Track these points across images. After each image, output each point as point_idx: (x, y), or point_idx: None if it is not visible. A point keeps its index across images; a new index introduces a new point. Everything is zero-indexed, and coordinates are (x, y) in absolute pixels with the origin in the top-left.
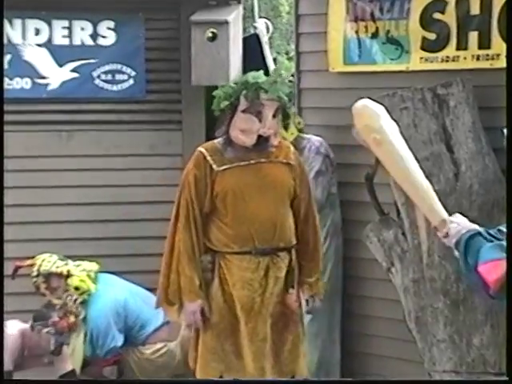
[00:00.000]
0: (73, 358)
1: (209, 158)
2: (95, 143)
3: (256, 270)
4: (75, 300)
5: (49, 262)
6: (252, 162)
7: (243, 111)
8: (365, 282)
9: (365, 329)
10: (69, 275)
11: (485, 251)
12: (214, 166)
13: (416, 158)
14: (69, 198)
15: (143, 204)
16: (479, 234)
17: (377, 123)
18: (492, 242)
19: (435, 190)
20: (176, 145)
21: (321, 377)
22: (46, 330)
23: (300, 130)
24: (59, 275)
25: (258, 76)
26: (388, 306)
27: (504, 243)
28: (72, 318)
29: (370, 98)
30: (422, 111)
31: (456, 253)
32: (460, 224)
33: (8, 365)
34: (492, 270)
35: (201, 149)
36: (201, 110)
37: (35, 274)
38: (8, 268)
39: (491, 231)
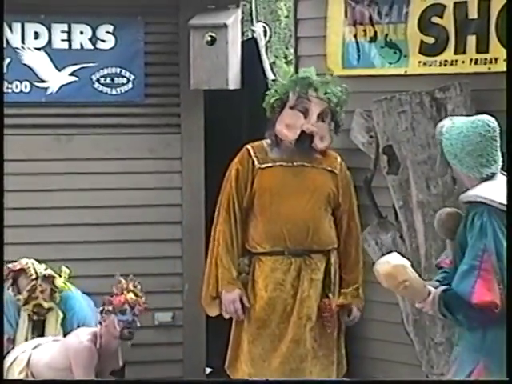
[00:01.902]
0: None
1: (253, 154)
2: (94, 147)
3: (288, 270)
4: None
5: (37, 265)
6: (295, 164)
7: (291, 107)
8: (363, 285)
9: (363, 332)
10: (54, 277)
11: (461, 287)
12: (256, 163)
13: (414, 162)
14: (68, 201)
15: (142, 207)
16: (445, 288)
17: (406, 274)
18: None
19: (433, 194)
20: (175, 148)
21: None
22: (106, 314)
23: None
24: (48, 278)
25: (309, 72)
26: (386, 309)
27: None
28: (131, 295)
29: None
30: (419, 115)
31: (444, 315)
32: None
33: (90, 374)
34: (481, 292)
35: (247, 146)
36: (200, 114)
37: (34, 276)
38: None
39: (439, 276)
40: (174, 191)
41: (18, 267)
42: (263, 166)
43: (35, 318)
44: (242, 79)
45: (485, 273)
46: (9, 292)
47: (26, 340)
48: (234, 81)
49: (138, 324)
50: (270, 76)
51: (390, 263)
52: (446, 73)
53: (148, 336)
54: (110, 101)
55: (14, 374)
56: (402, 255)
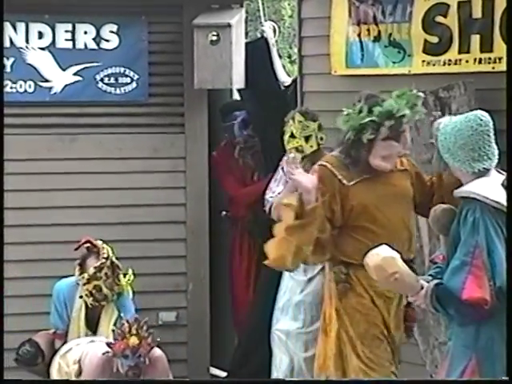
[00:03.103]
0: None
1: (337, 173)
2: (98, 146)
3: None
4: (144, 323)
5: (110, 251)
6: (374, 172)
7: (384, 139)
8: None
9: None
10: (120, 271)
11: (452, 283)
12: (345, 182)
13: (418, 161)
14: (71, 201)
15: (146, 207)
16: (437, 282)
17: (396, 267)
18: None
19: None
20: (179, 148)
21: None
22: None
23: (319, 146)
24: (116, 267)
25: (400, 107)
26: None
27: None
28: (133, 340)
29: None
30: (423, 114)
31: (436, 309)
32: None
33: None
34: (472, 288)
35: (327, 165)
36: (203, 113)
37: (105, 255)
38: (8, 271)
39: (433, 271)
40: (177, 191)
41: (94, 242)
42: (352, 182)
43: (91, 301)
44: (247, 79)
45: (476, 269)
46: (64, 282)
47: (79, 335)
48: (237, 80)
49: (147, 362)
50: (281, 74)
51: (380, 255)
52: (450, 72)
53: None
54: (113, 100)
55: (69, 363)
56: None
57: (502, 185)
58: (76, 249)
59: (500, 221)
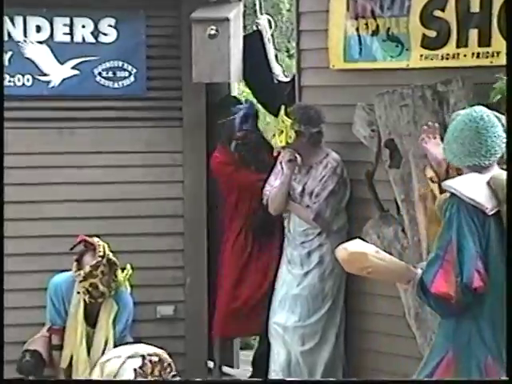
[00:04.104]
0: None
1: None
2: (96, 140)
3: None
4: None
5: (107, 248)
6: None
7: None
8: (365, 279)
9: (365, 325)
10: (117, 268)
11: (425, 275)
12: None
13: (416, 155)
14: (70, 194)
15: (143, 201)
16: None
17: (368, 261)
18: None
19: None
20: (176, 141)
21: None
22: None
23: (287, 143)
24: (113, 264)
25: None
26: (388, 303)
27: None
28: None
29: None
30: (421, 108)
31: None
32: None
33: None
34: (440, 282)
35: None
36: (201, 107)
37: (101, 254)
38: (7, 264)
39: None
40: (175, 185)
41: (90, 240)
42: None
43: (88, 298)
44: (244, 72)
45: (446, 264)
46: (61, 276)
47: (77, 330)
48: (235, 74)
49: None
50: (275, 68)
51: (347, 250)
52: (448, 66)
53: (150, 329)
54: (111, 94)
55: (104, 373)
56: (403, 249)
57: (488, 183)
58: (71, 248)
59: (476, 218)
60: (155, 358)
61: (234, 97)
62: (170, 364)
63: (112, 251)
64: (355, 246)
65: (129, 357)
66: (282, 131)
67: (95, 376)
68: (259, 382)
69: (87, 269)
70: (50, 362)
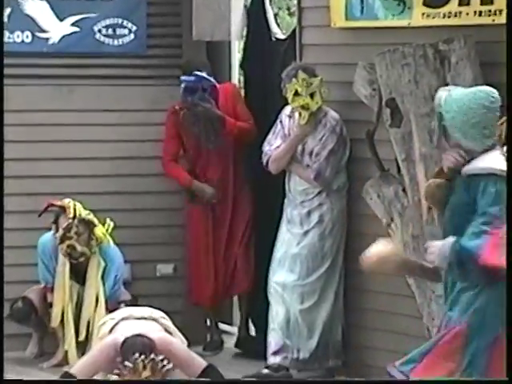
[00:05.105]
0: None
1: None
2: (96, 98)
3: None
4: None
5: (79, 208)
6: None
7: None
8: (365, 238)
9: (364, 284)
10: (94, 225)
11: (470, 244)
12: None
13: (417, 114)
14: (69, 152)
15: (144, 159)
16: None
17: (390, 262)
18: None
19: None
20: (177, 100)
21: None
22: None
23: (323, 100)
24: (88, 223)
25: None
26: None
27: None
28: (145, 374)
29: None
30: (423, 67)
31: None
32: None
33: None
34: (489, 254)
35: None
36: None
37: (71, 215)
38: (7, 221)
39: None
40: None
41: (59, 203)
42: None
43: (68, 260)
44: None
45: (495, 237)
46: (48, 235)
47: (65, 289)
48: (236, 33)
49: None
50: (273, 26)
51: (371, 260)
52: (450, 25)
53: (149, 287)
54: (111, 52)
55: (98, 335)
56: (404, 208)
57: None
58: (39, 215)
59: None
60: (147, 357)
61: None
62: (162, 360)
63: (110, 209)
64: (377, 253)
65: (123, 318)
66: (314, 92)
67: (94, 338)
68: (257, 382)
69: (60, 232)
70: (43, 312)
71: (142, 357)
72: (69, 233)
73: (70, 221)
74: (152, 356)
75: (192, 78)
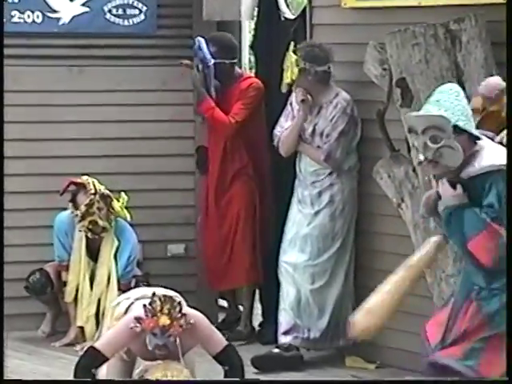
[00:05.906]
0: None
1: None
2: (106, 78)
3: None
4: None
5: (97, 183)
6: None
7: None
8: (376, 218)
9: (374, 264)
10: (112, 199)
11: (469, 224)
12: None
13: (427, 94)
14: (79, 133)
15: (154, 139)
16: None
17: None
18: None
19: None
20: (187, 80)
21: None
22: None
23: (292, 80)
24: (106, 197)
25: None
26: (397, 242)
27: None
28: (163, 319)
29: None
30: (433, 47)
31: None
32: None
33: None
34: (480, 245)
35: None
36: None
37: (93, 191)
38: (15, 202)
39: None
40: (186, 124)
41: (79, 181)
42: None
43: (90, 235)
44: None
45: (490, 230)
46: (64, 214)
47: (80, 266)
48: (246, 13)
49: (177, 341)
50: (282, 5)
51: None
52: (461, 4)
53: (161, 267)
54: (121, 32)
55: (114, 315)
56: (414, 188)
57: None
58: (61, 193)
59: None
60: (166, 298)
61: None
62: (179, 302)
63: (122, 190)
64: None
65: (137, 298)
66: (288, 67)
67: (107, 320)
68: (259, 382)
69: (83, 208)
70: (58, 289)
71: (162, 300)
72: (91, 209)
73: (92, 197)
74: (171, 300)
75: (201, 45)
